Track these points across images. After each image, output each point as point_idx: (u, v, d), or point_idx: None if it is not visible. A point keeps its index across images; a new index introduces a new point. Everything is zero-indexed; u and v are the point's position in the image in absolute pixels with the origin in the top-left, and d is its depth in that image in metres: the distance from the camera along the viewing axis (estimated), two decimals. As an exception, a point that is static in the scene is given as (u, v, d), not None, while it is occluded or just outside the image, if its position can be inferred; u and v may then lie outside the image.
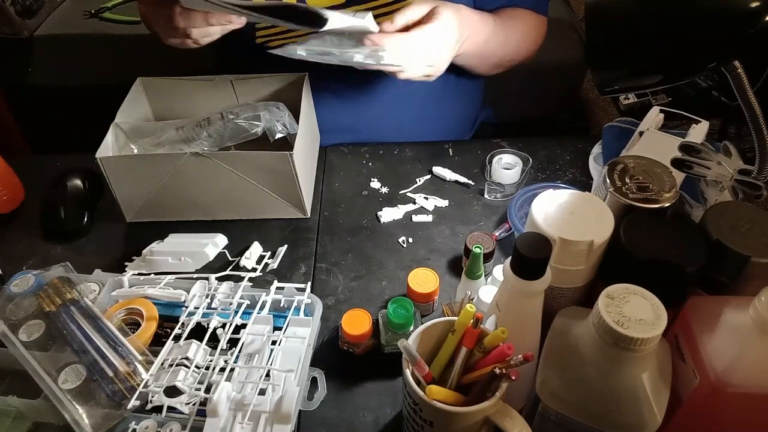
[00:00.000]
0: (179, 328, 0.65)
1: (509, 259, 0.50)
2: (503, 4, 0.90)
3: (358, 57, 0.69)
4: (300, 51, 0.69)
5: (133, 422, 0.59)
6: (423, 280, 0.68)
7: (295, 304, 0.68)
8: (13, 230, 0.85)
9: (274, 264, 0.77)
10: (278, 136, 0.80)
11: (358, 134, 0.97)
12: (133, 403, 0.59)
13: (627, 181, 0.57)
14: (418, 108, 0.96)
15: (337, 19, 0.64)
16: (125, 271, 0.74)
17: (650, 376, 0.46)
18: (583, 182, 0.87)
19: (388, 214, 0.84)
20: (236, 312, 0.66)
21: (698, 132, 0.75)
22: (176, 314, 0.69)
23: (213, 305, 0.68)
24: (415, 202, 0.85)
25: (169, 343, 0.63)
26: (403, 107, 0.96)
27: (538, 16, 0.93)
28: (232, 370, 0.60)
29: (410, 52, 0.71)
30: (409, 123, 0.97)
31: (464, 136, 1.06)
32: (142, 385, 0.59)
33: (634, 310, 0.44)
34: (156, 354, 0.62)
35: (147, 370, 0.61)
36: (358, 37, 0.70)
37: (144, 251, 0.77)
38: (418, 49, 0.71)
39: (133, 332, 0.66)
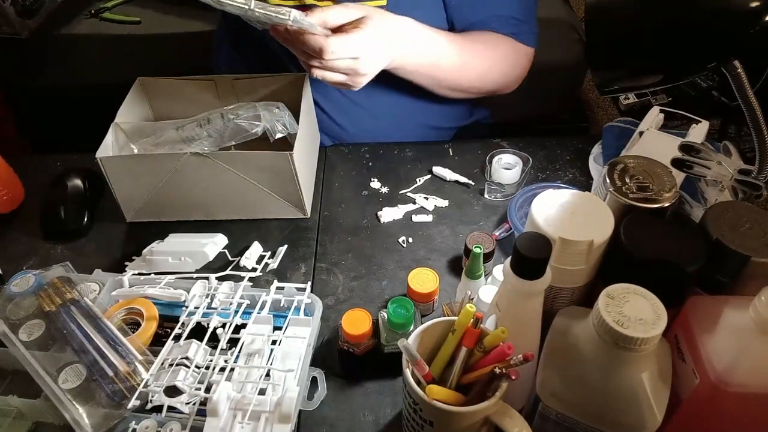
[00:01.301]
0: (179, 328, 0.65)
1: (509, 259, 0.50)
2: (476, 23, 0.87)
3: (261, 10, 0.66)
4: None
5: (133, 422, 0.59)
6: (423, 280, 0.68)
7: (295, 304, 0.68)
8: (13, 230, 0.85)
9: (274, 264, 0.77)
10: (278, 136, 0.80)
11: (356, 127, 0.96)
12: (133, 402, 0.58)
13: (627, 181, 0.57)
14: (413, 94, 0.95)
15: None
16: (125, 271, 0.74)
17: (650, 375, 0.46)
18: (583, 182, 0.87)
19: (388, 214, 0.84)
20: (236, 312, 0.66)
21: (698, 132, 0.75)
22: (176, 314, 0.69)
23: (213, 305, 0.68)
24: (415, 202, 0.85)
25: (169, 342, 0.63)
26: (395, 86, 0.93)
27: (517, 44, 0.88)
28: (232, 369, 0.60)
29: (331, 52, 0.68)
30: (402, 101, 0.96)
31: (459, 121, 1.04)
32: (142, 384, 0.59)
33: (634, 309, 0.44)
34: (156, 354, 0.62)
35: (147, 369, 0.61)
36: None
37: (144, 251, 0.77)
38: (338, 53, 0.68)
39: (133, 332, 0.66)
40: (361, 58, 0.71)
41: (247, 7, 0.65)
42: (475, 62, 0.87)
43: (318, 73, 0.72)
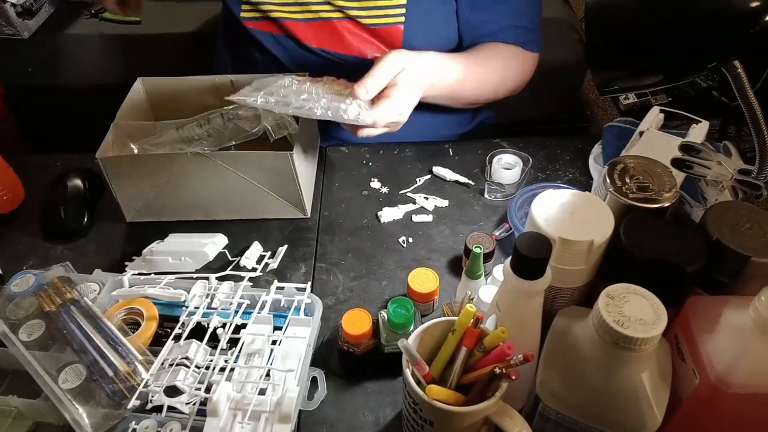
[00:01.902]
0: (179, 328, 0.65)
1: (509, 259, 0.50)
2: (486, 35, 0.89)
3: (318, 111, 0.71)
4: (260, 101, 0.71)
5: (133, 422, 0.59)
6: (423, 280, 0.68)
7: (295, 303, 0.68)
8: (13, 230, 0.85)
9: (274, 264, 0.77)
10: (278, 136, 0.80)
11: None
12: (133, 402, 0.58)
13: (627, 181, 0.57)
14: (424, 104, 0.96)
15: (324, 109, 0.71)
16: (125, 271, 0.74)
17: (650, 376, 0.46)
18: (583, 182, 0.87)
19: (388, 214, 0.84)
20: (236, 312, 0.66)
21: (698, 132, 0.75)
22: (176, 314, 0.69)
23: (213, 305, 0.68)
24: (415, 202, 0.85)
25: (169, 342, 0.63)
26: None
27: (524, 52, 0.91)
28: (232, 369, 0.60)
29: (381, 118, 0.74)
30: (416, 116, 0.97)
31: (462, 127, 1.05)
32: (142, 384, 0.59)
33: (634, 309, 0.44)
34: (156, 354, 0.62)
35: (147, 369, 0.61)
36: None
37: (144, 251, 0.77)
38: (387, 116, 0.74)
39: (133, 332, 0.66)
40: (402, 113, 0.76)
41: (319, 113, 0.71)
42: (490, 78, 0.90)
43: (363, 135, 0.76)
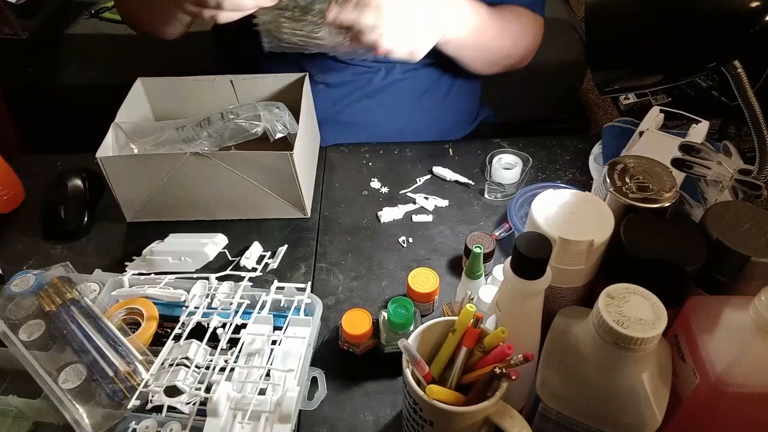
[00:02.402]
0: (179, 328, 0.65)
1: (509, 259, 0.50)
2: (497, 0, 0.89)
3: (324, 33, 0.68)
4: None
5: (133, 422, 0.59)
6: (423, 279, 0.68)
7: (295, 303, 0.68)
8: (13, 230, 0.85)
9: (274, 264, 0.77)
10: (278, 136, 0.80)
11: (356, 128, 0.97)
12: (134, 402, 0.59)
13: (627, 181, 0.57)
14: (416, 99, 0.95)
15: None
16: (125, 271, 0.74)
17: (650, 375, 0.46)
18: (583, 182, 0.87)
19: (388, 214, 0.84)
20: (236, 312, 0.66)
21: (698, 132, 0.75)
22: (176, 314, 0.69)
23: (213, 305, 0.68)
24: (415, 202, 0.85)
25: (170, 342, 0.63)
26: (402, 98, 0.95)
27: (534, 14, 0.92)
28: (232, 369, 0.60)
29: (389, 19, 0.68)
30: (409, 114, 0.97)
31: (465, 129, 1.05)
32: (142, 384, 0.59)
33: (634, 309, 0.44)
34: (156, 354, 0.62)
35: (147, 369, 0.61)
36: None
37: (144, 251, 0.77)
38: (397, 19, 0.68)
39: (134, 332, 0.66)
40: (385, 17, 0.69)
41: None
42: (508, 29, 0.89)
43: (330, 18, 0.69)
